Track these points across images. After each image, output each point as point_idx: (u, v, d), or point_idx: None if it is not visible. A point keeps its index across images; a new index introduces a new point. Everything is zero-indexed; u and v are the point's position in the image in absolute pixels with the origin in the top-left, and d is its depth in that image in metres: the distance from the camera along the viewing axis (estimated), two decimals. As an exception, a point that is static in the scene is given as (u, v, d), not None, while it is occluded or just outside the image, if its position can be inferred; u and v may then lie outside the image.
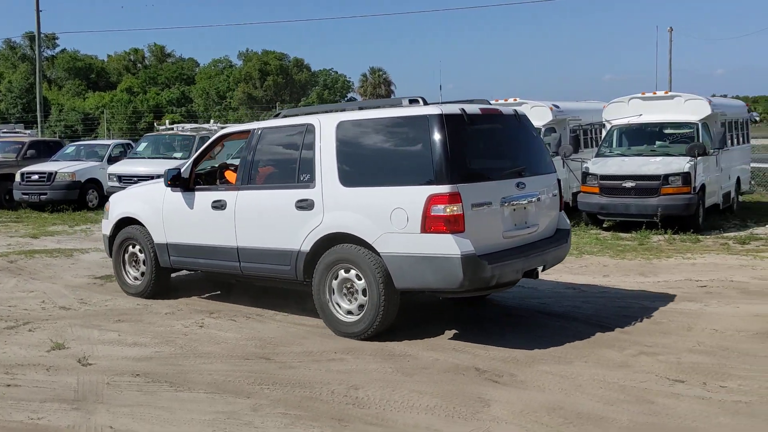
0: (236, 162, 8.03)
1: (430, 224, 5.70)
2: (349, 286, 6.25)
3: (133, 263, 8.17)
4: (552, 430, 4.28)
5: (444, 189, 5.67)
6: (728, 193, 14.50)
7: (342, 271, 6.25)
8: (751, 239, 11.27)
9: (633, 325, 6.44)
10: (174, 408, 4.76)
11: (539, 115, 14.61)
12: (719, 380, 4.98)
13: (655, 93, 14.56)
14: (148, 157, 18.36)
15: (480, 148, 6.28)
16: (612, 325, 6.45)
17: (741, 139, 16.14)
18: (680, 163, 12.45)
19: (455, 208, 5.66)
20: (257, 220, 6.84)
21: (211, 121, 29.83)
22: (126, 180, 17.19)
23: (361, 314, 6.14)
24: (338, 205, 6.24)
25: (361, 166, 6.30)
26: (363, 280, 6.09)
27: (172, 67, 75.54)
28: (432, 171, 5.74)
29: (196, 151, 9.34)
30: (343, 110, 6.81)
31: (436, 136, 5.78)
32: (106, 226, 8.39)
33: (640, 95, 14.38)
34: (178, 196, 7.53)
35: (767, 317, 6.65)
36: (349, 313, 6.26)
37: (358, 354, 5.83)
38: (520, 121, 6.75)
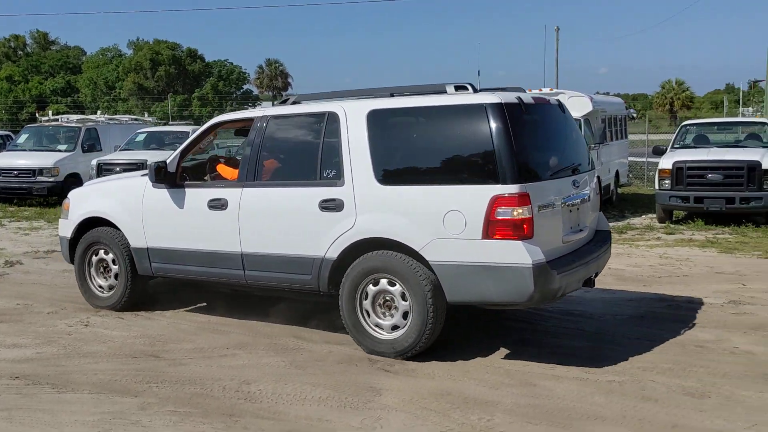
0: (226, 154, 7.67)
1: (493, 229, 5.00)
2: (388, 298, 5.47)
3: (103, 271, 7.08)
4: (439, 414, 4.43)
5: (512, 189, 4.98)
6: (608, 186, 15.31)
7: (377, 282, 5.47)
8: (628, 229, 11.97)
9: (514, 313, 6.70)
10: (56, 410, 4.59)
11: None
12: (596, 363, 5.28)
13: (541, 90, 15.16)
14: (30, 150, 17.54)
15: (538, 142, 5.63)
16: (495, 312, 6.69)
17: (620, 134, 17.08)
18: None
19: (524, 211, 4.98)
20: (268, 222, 5.93)
21: (99, 112, 28.67)
22: (5, 173, 16.37)
23: (403, 330, 5.38)
24: (375, 207, 5.45)
25: (402, 161, 5.52)
26: (405, 292, 5.33)
27: (56, 55, 71.64)
28: (495, 168, 5.03)
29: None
30: (364, 98, 5.96)
31: (498, 128, 5.07)
32: (66, 227, 7.24)
33: (527, 93, 14.93)
34: (162, 193, 6.48)
35: (639, 302, 7.10)
36: (390, 328, 5.47)
37: (251, 349, 5.79)
38: (564, 112, 6.12)
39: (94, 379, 5.14)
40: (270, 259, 5.93)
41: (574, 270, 5.30)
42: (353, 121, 5.65)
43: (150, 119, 25.22)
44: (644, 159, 20.53)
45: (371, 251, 5.47)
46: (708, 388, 4.75)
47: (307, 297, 6.47)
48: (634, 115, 32.29)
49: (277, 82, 71.18)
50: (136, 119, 22.11)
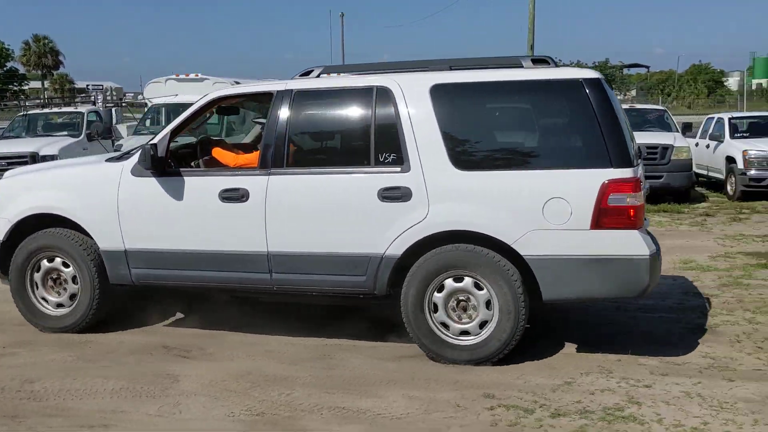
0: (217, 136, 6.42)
1: (605, 218, 4.55)
2: (463, 299, 4.85)
3: (54, 284, 5.73)
4: (240, 394, 4.47)
5: (625, 174, 4.53)
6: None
7: (454, 281, 4.85)
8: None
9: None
10: None
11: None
12: (392, 335, 5.60)
13: (187, 75, 15.38)
14: None
15: (624, 121, 5.03)
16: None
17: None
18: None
19: (637, 198, 4.55)
20: (306, 216, 5.05)
21: None
22: None
23: (487, 334, 4.78)
24: (452, 195, 4.79)
25: (483, 143, 4.97)
26: (490, 291, 4.75)
27: None
28: (605, 150, 4.57)
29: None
30: (413, 70, 5.26)
31: (602, 106, 4.63)
32: None
33: (174, 77, 15.21)
34: (148, 182, 5.33)
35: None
36: (465, 333, 4.86)
37: (33, 347, 5.41)
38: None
39: None
40: (308, 260, 5.07)
41: (661, 260, 4.94)
42: (413, 97, 4.95)
43: None
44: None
45: (443, 246, 4.83)
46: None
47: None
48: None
49: (47, 60, 65.37)
50: None
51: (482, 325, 4.81)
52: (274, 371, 4.85)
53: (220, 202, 5.18)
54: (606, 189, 4.51)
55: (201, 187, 5.31)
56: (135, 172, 5.38)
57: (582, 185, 4.58)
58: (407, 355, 5.08)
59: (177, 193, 5.30)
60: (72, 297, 5.65)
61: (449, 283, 4.84)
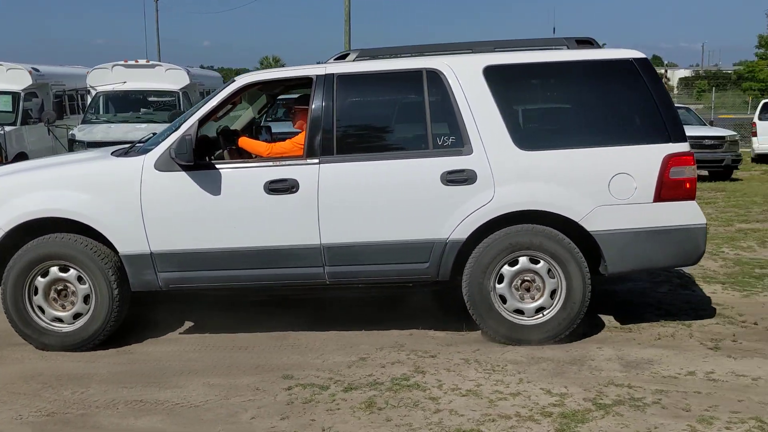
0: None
1: (667, 191, 4.80)
2: (529, 278, 4.90)
3: (57, 297, 5.04)
4: (29, 396, 4.31)
5: (683, 147, 4.84)
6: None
7: (511, 263, 4.89)
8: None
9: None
10: None
11: (16, 79, 13.71)
12: (197, 326, 5.60)
13: (137, 61, 14.92)
14: None
15: None
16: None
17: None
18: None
19: (693, 170, 4.87)
20: (364, 205, 4.88)
21: None
22: None
23: (553, 311, 4.89)
24: (518, 176, 4.83)
25: (542, 123, 5.12)
26: (554, 269, 4.85)
27: None
28: (664, 126, 4.85)
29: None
30: (458, 53, 5.20)
31: (655, 84, 4.91)
32: None
33: (123, 63, 14.64)
34: (177, 177, 4.89)
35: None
36: (534, 311, 4.91)
37: None
38: None
39: None
40: (366, 250, 4.91)
41: None
42: (466, 79, 4.93)
43: None
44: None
45: (503, 228, 4.86)
46: (287, 331, 5.41)
47: None
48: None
49: None
50: None
51: (547, 303, 4.90)
52: (69, 370, 4.71)
53: (267, 195, 4.88)
54: (667, 163, 4.78)
55: (243, 179, 4.96)
56: (161, 166, 4.93)
57: (645, 160, 4.81)
58: (209, 346, 5.13)
59: (215, 187, 4.91)
60: (74, 315, 5.05)
61: (513, 264, 4.89)
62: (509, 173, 4.83)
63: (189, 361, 4.84)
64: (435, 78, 4.97)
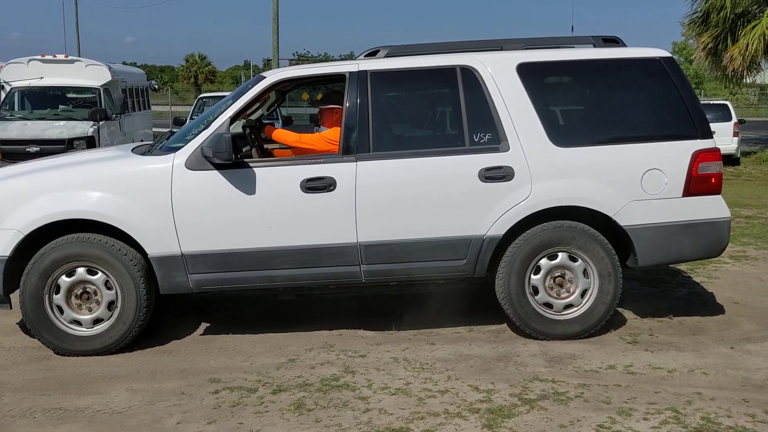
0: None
1: (695, 186, 4.95)
2: (560, 275, 4.99)
3: (79, 299, 4.81)
4: (-63, 407, 4.08)
5: (711, 144, 5.00)
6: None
7: (552, 257, 4.97)
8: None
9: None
10: None
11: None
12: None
13: (55, 56, 14.40)
14: None
15: None
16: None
17: (142, 105, 17.26)
18: (84, 128, 12.71)
19: (719, 165, 5.03)
20: (402, 202, 4.84)
21: None
22: None
23: (582, 309, 5.01)
24: (554, 172, 4.88)
25: (575, 120, 5.25)
26: (589, 265, 4.96)
27: None
28: (691, 123, 4.99)
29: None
30: (487, 50, 5.23)
31: (681, 82, 5.06)
32: None
33: (40, 57, 14.12)
34: (210, 176, 4.74)
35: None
36: (562, 307, 5.01)
37: None
38: None
39: None
40: (403, 247, 4.87)
41: None
42: (501, 76, 4.96)
43: None
44: (168, 130, 21.09)
45: (545, 223, 4.92)
46: (220, 335, 5.32)
47: None
48: (156, 86, 32.79)
49: None
50: None
51: (577, 301, 5.01)
52: (-21, 379, 4.49)
53: (304, 193, 4.80)
54: (696, 158, 4.94)
55: (279, 177, 4.87)
56: (192, 165, 4.77)
57: (675, 156, 4.96)
58: (134, 350, 4.98)
59: (250, 186, 4.79)
60: (95, 320, 4.86)
61: (551, 259, 4.98)
62: (546, 169, 4.91)
63: (110, 366, 4.69)
64: (469, 75, 5.00)
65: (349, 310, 5.76)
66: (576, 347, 4.89)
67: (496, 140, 4.93)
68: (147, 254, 4.83)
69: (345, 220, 4.85)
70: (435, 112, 5.41)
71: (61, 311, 4.84)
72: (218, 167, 4.78)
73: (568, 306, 5.02)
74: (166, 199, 4.78)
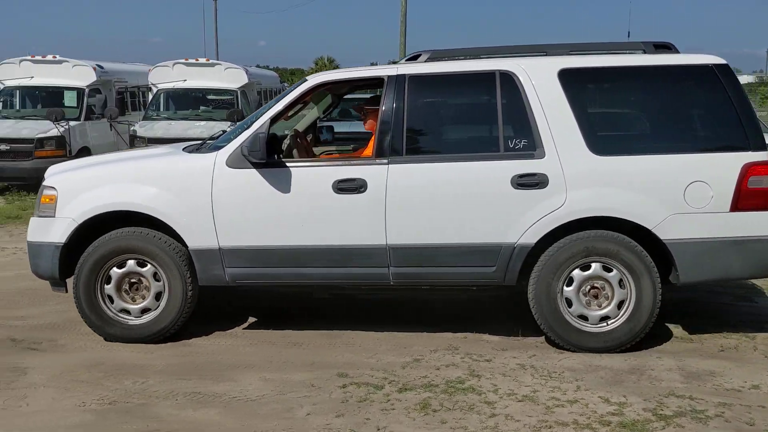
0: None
1: (744, 200, 4.66)
2: (596, 285, 4.82)
3: (129, 289, 5.15)
4: (91, 384, 4.42)
5: (763, 156, 4.67)
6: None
7: (583, 267, 4.80)
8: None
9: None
10: None
11: (81, 75, 14.12)
12: (252, 321, 5.66)
13: (197, 60, 15.20)
14: None
15: None
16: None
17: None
18: (222, 128, 13.32)
19: None
20: (432, 206, 4.83)
21: None
22: None
23: (618, 322, 4.80)
24: (591, 181, 4.73)
25: (617, 128, 5.08)
26: (625, 276, 4.76)
27: None
28: (744, 134, 4.70)
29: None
30: (530, 55, 5.10)
31: (735, 91, 4.76)
32: (51, 230, 5.08)
33: (183, 61, 14.91)
34: (248, 174, 4.93)
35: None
36: (598, 319, 4.83)
37: None
38: None
39: None
40: (432, 252, 4.87)
41: None
42: (541, 82, 4.85)
43: None
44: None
45: (580, 232, 4.77)
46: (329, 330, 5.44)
47: None
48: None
49: None
50: None
51: (614, 313, 4.81)
52: (128, 360, 4.82)
53: (335, 194, 4.87)
54: (746, 172, 4.64)
55: (313, 178, 4.96)
56: (233, 163, 4.95)
57: (723, 169, 4.68)
58: (262, 341, 5.18)
59: (284, 185, 4.91)
60: (143, 309, 5.13)
61: (578, 271, 4.80)
62: (582, 178, 4.74)
63: (243, 356, 4.90)
64: (508, 80, 4.89)
65: (472, 312, 5.71)
66: (716, 364, 4.61)
67: (531, 146, 4.79)
68: (188, 247, 5.02)
69: (374, 222, 4.85)
70: (471, 117, 5.35)
71: (112, 300, 5.10)
72: (256, 166, 4.89)
73: (601, 319, 4.82)
74: (207, 195, 4.96)
